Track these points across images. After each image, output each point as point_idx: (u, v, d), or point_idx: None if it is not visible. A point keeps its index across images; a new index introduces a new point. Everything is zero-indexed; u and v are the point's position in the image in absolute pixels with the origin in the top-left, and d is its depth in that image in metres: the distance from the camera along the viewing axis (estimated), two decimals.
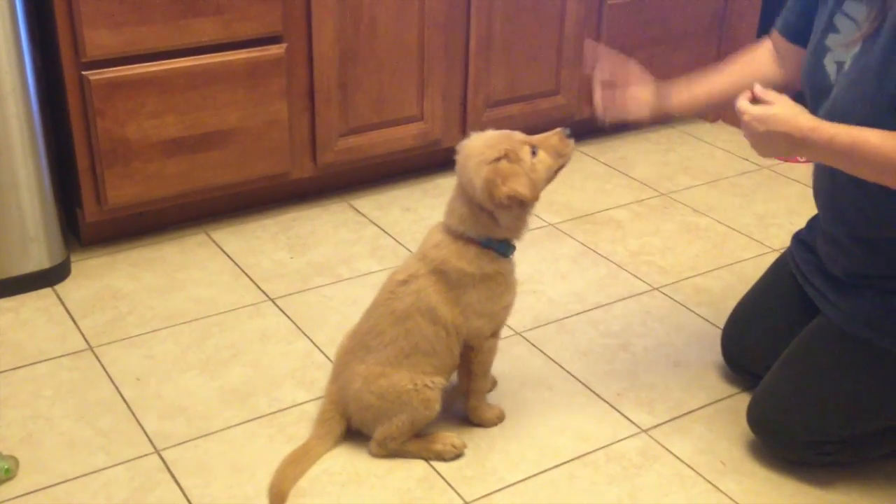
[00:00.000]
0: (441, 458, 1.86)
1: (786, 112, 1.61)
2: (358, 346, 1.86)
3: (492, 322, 1.85)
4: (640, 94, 1.89)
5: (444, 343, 1.81)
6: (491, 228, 1.76)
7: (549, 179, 1.79)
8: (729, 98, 1.81)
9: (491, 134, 1.76)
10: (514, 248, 1.82)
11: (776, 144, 1.64)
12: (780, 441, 1.84)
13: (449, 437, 1.88)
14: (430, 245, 1.81)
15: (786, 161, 3.17)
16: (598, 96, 1.87)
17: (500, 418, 1.97)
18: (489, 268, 1.78)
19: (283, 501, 1.76)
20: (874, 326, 1.74)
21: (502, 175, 1.68)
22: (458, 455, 1.87)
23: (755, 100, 1.66)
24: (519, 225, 1.78)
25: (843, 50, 1.68)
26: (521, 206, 1.74)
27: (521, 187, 1.69)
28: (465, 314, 1.80)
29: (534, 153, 1.74)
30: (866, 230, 1.72)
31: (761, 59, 1.95)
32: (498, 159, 1.70)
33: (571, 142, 1.79)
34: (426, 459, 1.86)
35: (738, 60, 1.98)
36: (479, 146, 1.74)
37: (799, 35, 1.87)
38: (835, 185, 1.74)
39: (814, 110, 1.69)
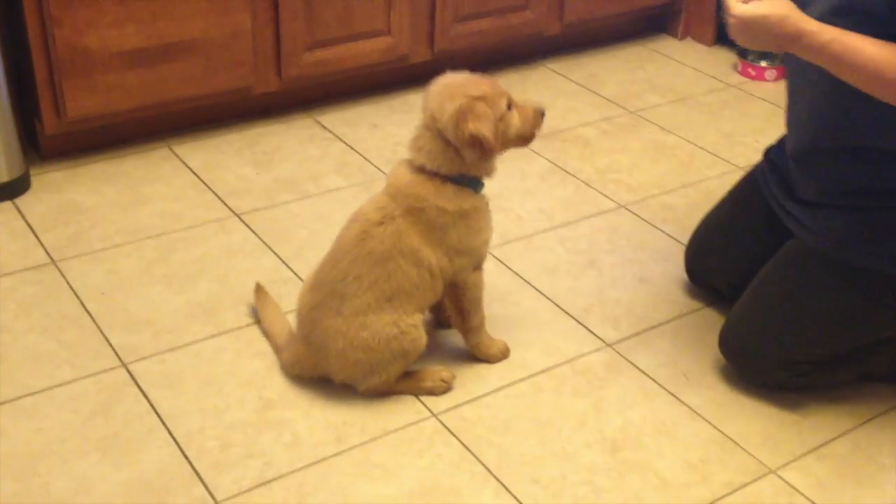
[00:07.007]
0: (432, 393, 1.83)
1: (775, 13, 1.54)
2: (329, 296, 1.76)
3: (474, 257, 1.82)
4: None
5: (429, 284, 1.77)
6: (460, 165, 1.73)
7: (510, 143, 1.77)
8: None
9: (475, 76, 1.74)
10: (483, 184, 1.79)
11: (765, 43, 1.58)
12: (753, 365, 1.84)
13: (438, 371, 1.85)
14: (403, 183, 1.75)
15: (753, 80, 3.17)
16: None
17: (504, 353, 1.93)
18: (467, 204, 1.75)
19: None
20: (846, 245, 1.75)
21: (474, 113, 1.67)
22: (448, 389, 1.83)
23: None
24: (486, 166, 1.77)
25: None
26: (482, 150, 1.70)
27: (486, 130, 1.67)
28: (448, 255, 1.77)
29: (508, 108, 1.73)
30: (858, 138, 1.67)
31: None
32: (476, 98, 1.68)
33: (542, 123, 1.78)
34: (416, 395, 1.83)
35: None
36: (460, 81, 1.73)
37: None
38: (832, 92, 1.66)
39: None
